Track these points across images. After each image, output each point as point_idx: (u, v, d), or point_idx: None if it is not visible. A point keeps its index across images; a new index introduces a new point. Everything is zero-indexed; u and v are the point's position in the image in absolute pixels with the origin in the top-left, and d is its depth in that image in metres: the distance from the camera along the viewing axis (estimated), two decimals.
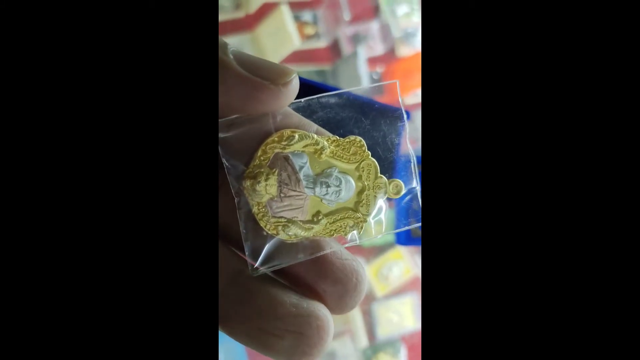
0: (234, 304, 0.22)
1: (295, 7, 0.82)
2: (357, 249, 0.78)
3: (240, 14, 0.81)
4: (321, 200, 0.22)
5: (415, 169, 0.23)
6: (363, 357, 0.77)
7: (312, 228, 0.22)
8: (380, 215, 0.23)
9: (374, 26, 0.84)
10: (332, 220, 0.22)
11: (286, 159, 0.22)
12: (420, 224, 0.23)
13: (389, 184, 0.23)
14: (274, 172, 0.22)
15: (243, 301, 0.22)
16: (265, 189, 0.22)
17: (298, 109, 0.23)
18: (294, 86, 0.21)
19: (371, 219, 0.23)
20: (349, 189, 0.23)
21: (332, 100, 0.23)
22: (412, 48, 0.83)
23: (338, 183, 0.22)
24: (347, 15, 0.84)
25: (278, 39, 0.81)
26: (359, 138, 0.23)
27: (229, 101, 0.21)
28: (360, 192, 0.23)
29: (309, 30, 0.83)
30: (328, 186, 0.22)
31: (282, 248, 0.22)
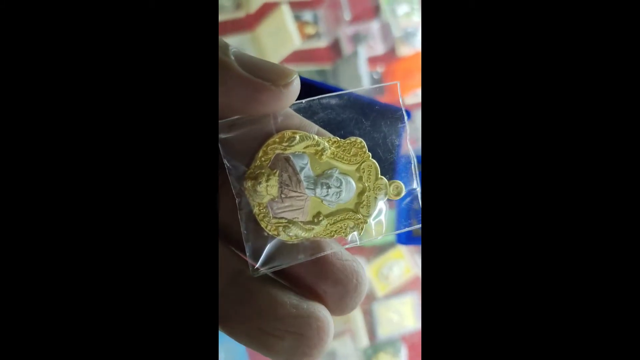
0: (234, 304, 0.22)
1: (296, 7, 0.82)
2: (358, 249, 0.78)
3: (240, 14, 0.81)
4: (322, 202, 0.22)
5: (415, 170, 0.23)
6: (363, 356, 0.77)
7: (313, 229, 0.22)
8: (381, 217, 0.23)
9: (374, 26, 0.84)
10: (332, 221, 0.23)
11: (287, 160, 0.22)
12: (420, 225, 0.23)
13: (390, 185, 0.23)
14: (275, 173, 0.22)
15: (243, 301, 0.22)
16: (266, 190, 0.22)
17: (299, 110, 0.23)
18: (295, 87, 0.21)
19: (371, 220, 0.23)
20: (349, 190, 0.23)
21: (333, 101, 0.23)
22: (413, 48, 0.83)
23: (339, 184, 0.22)
24: (347, 15, 0.84)
25: (278, 39, 0.81)
26: (359, 139, 0.23)
27: (230, 102, 0.21)
28: (360, 194, 0.23)
29: (310, 30, 0.83)
30: (329, 187, 0.22)
31: (283, 249, 0.22)
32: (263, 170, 0.22)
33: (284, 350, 0.21)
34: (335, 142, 0.22)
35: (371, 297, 0.79)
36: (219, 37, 0.21)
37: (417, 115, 0.70)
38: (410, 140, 0.24)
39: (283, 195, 0.22)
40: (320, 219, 0.22)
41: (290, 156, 0.22)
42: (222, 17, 0.80)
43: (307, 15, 0.83)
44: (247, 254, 0.22)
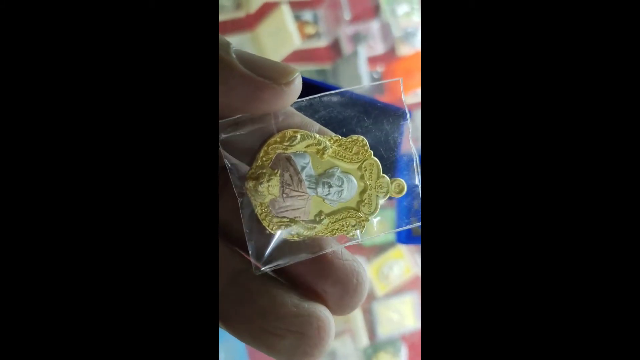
0: (235, 304, 0.22)
1: (296, 7, 0.82)
2: (358, 248, 0.78)
3: (240, 14, 0.81)
4: (323, 200, 0.22)
5: (417, 167, 0.23)
6: (363, 356, 0.77)
7: (315, 227, 0.22)
8: (382, 215, 0.23)
9: (374, 25, 0.84)
10: (334, 220, 0.23)
11: (288, 159, 0.22)
12: (420, 223, 0.23)
13: (392, 183, 0.23)
14: (276, 172, 0.22)
15: (244, 301, 0.22)
16: (268, 190, 0.22)
17: (300, 109, 0.23)
18: (297, 85, 0.21)
19: (373, 218, 0.23)
20: (351, 188, 0.23)
21: (334, 99, 0.23)
22: (412, 47, 0.83)
23: (340, 183, 0.22)
24: (347, 15, 0.84)
25: (278, 39, 0.81)
26: (361, 137, 0.23)
27: (231, 101, 0.21)
28: (362, 192, 0.23)
29: (310, 30, 0.83)
30: (330, 186, 0.22)
31: (285, 247, 0.22)
32: (264, 170, 0.22)
33: (285, 349, 0.21)
34: (336, 140, 0.22)
35: (371, 297, 0.79)
36: (221, 35, 0.21)
37: (417, 115, 0.70)
38: (411, 139, 0.24)
39: (285, 195, 0.22)
40: (322, 217, 0.22)
41: (292, 155, 0.22)
42: (222, 17, 0.80)
43: (307, 15, 0.83)
44: (250, 252, 0.22)
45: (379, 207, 0.23)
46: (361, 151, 0.23)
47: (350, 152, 0.23)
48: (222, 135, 0.22)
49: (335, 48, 0.84)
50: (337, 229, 0.23)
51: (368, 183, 0.23)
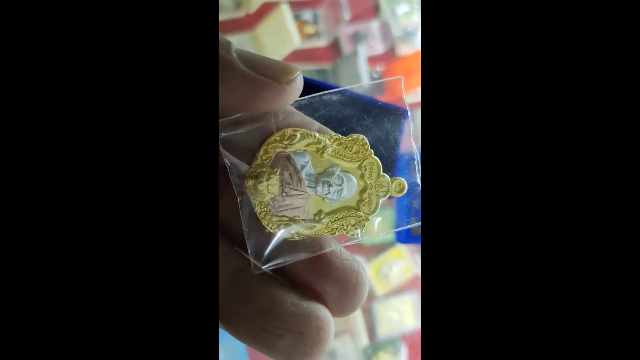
0: (234, 303, 0.22)
1: (296, 6, 0.82)
2: (358, 248, 0.78)
3: (240, 14, 0.81)
4: (323, 199, 0.22)
5: (418, 166, 0.23)
6: (363, 355, 0.77)
7: (314, 227, 0.22)
8: (382, 214, 0.23)
9: (374, 25, 0.84)
10: (334, 219, 0.22)
11: (288, 158, 0.22)
12: (420, 223, 0.23)
13: (392, 182, 0.23)
14: (276, 171, 0.22)
15: (244, 300, 0.22)
16: (267, 189, 0.22)
17: (300, 107, 0.23)
18: (298, 84, 0.21)
19: (374, 218, 0.23)
20: (351, 187, 0.23)
21: (335, 97, 0.23)
22: (412, 47, 0.83)
23: (340, 182, 0.22)
24: (347, 15, 0.84)
25: (278, 38, 0.81)
26: (361, 136, 0.23)
27: (232, 100, 0.21)
28: (362, 191, 0.23)
29: (309, 30, 0.83)
30: (330, 185, 0.22)
31: (285, 246, 0.22)
32: (264, 169, 0.22)
33: (284, 348, 0.21)
34: (336, 139, 0.22)
35: (371, 296, 0.79)
36: (221, 35, 0.21)
37: (417, 114, 0.70)
38: (409, 139, 0.24)
39: (284, 194, 0.22)
40: (322, 216, 0.22)
41: (291, 154, 0.22)
42: (222, 17, 0.80)
43: (307, 15, 0.83)
44: (249, 251, 0.22)
45: (380, 206, 0.23)
46: (361, 150, 0.23)
47: (351, 151, 0.22)
48: (222, 134, 0.21)
49: (335, 48, 0.84)
50: (337, 229, 0.22)
51: (368, 182, 0.23)
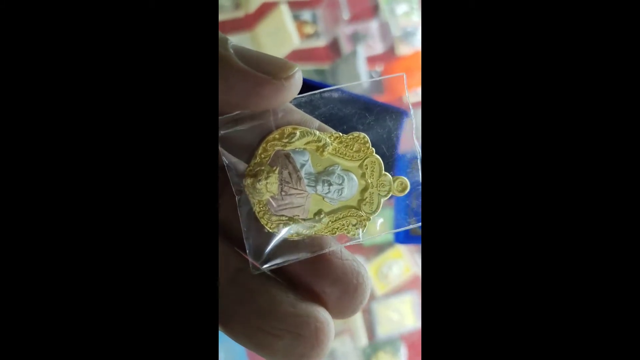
0: (232, 304, 0.21)
1: (295, 7, 0.82)
2: (357, 248, 0.78)
3: (239, 14, 0.81)
4: (323, 199, 0.22)
5: (419, 165, 0.23)
6: (363, 355, 0.77)
7: (314, 226, 0.22)
8: (382, 215, 0.23)
9: (373, 25, 0.84)
10: (334, 219, 0.22)
11: (287, 156, 0.22)
12: (420, 224, 0.22)
13: (394, 181, 0.22)
14: (275, 170, 0.22)
15: (242, 301, 0.21)
16: (266, 187, 0.21)
17: (300, 105, 0.22)
18: (297, 80, 0.21)
19: (376, 219, 0.23)
20: (351, 187, 0.22)
21: (335, 95, 0.22)
22: (412, 47, 0.83)
23: (340, 181, 0.22)
24: (346, 14, 0.84)
25: (277, 38, 0.81)
26: (362, 134, 0.22)
27: (231, 97, 0.20)
28: (363, 190, 0.22)
29: (309, 30, 0.83)
30: (330, 184, 0.22)
31: (284, 246, 0.22)
32: (263, 168, 0.21)
33: (281, 350, 0.21)
34: (337, 137, 0.22)
35: (370, 296, 0.78)
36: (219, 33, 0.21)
37: (417, 114, 0.70)
38: (409, 139, 0.23)
39: (283, 193, 0.22)
40: (322, 216, 0.22)
41: (291, 153, 0.22)
42: (221, 17, 0.80)
43: (306, 15, 0.83)
44: (248, 251, 0.22)
45: (381, 206, 0.23)
46: (362, 148, 0.22)
47: (351, 149, 0.22)
48: (221, 132, 0.21)
49: (334, 47, 0.84)
50: (337, 228, 0.22)
51: (369, 181, 0.22)
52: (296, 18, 0.82)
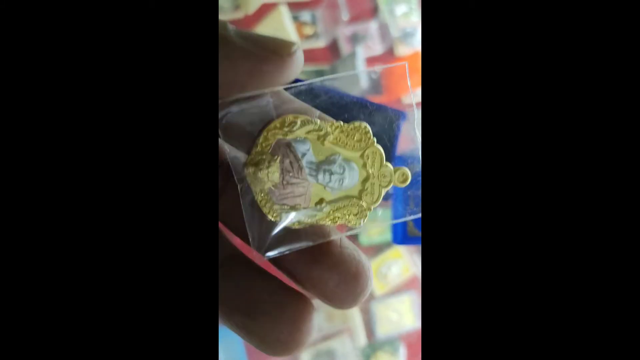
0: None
1: (294, 8, 0.82)
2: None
3: (239, 15, 0.81)
4: (324, 188, 0.22)
5: (419, 153, 0.23)
6: (362, 355, 0.77)
7: (315, 215, 0.22)
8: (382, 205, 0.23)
9: (372, 26, 0.84)
10: (335, 208, 0.22)
11: (288, 145, 0.22)
12: (420, 215, 0.22)
13: (395, 172, 0.22)
14: (276, 159, 0.22)
15: (223, 281, 0.21)
16: (268, 176, 0.21)
17: (300, 93, 0.22)
18: (299, 57, 0.21)
19: (375, 208, 0.23)
20: (352, 177, 0.22)
21: (336, 83, 0.22)
22: (411, 48, 0.83)
23: (342, 171, 0.22)
24: (345, 16, 0.84)
25: None
26: (364, 124, 0.22)
27: (236, 76, 0.20)
28: (364, 181, 0.22)
29: (308, 31, 0.83)
30: (331, 174, 0.22)
31: (286, 235, 0.22)
32: (264, 157, 0.21)
33: (257, 331, 0.21)
34: (338, 127, 0.22)
35: (370, 296, 0.78)
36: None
37: (416, 115, 0.70)
38: (409, 139, 0.23)
39: (285, 182, 0.22)
40: (323, 205, 0.22)
41: (292, 142, 0.22)
42: (221, 18, 0.80)
43: (305, 16, 0.83)
44: (251, 240, 0.22)
45: (382, 196, 0.23)
46: (364, 138, 0.22)
47: (353, 139, 0.22)
48: (222, 122, 0.21)
49: (333, 48, 0.84)
50: (338, 217, 0.22)
51: (370, 171, 0.22)
52: (295, 19, 0.82)
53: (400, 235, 0.59)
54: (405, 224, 0.58)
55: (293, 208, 0.22)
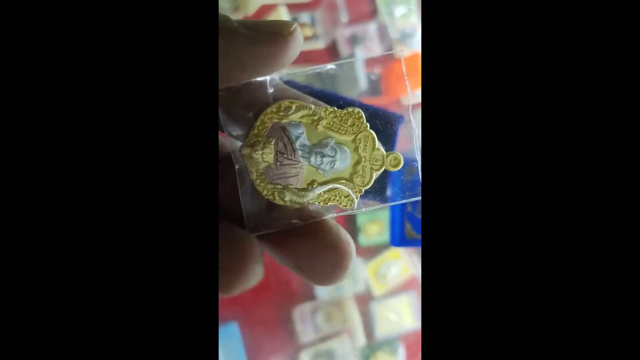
0: None
1: (293, 9, 0.83)
2: (356, 249, 0.78)
3: (238, 16, 0.82)
4: (317, 170, 0.23)
5: (417, 142, 0.23)
6: (361, 356, 0.77)
7: (307, 195, 0.23)
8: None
9: (371, 27, 0.85)
10: (327, 189, 0.23)
11: (283, 129, 0.22)
12: (419, 198, 0.23)
13: (387, 156, 0.23)
14: (271, 141, 0.22)
15: None
16: (262, 157, 0.22)
17: (294, 84, 0.23)
18: (299, 35, 0.22)
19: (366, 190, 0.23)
20: (344, 159, 0.23)
21: (331, 72, 0.23)
22: (410, 48, 0.84)
23: (333, 153, 0.23)
24: (344, 17, 0.84)
25: None
26: (357, 109, 0.23)
27: (246, 62, 0.21)
28: (356, 164, 0.23)
29: (307, 32, 0.83)
30: (323, 156, 0.23)
31: (277, 213, 0.23)
32: (260, 139, 0.22)
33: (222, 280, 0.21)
34: (332, 112, 0.23)
35: (369, 297, 0.78)
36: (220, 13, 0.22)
37: (416, 115, 0.70)
38: (408, 139, 0.24)
39: (278, 163, 0.22)
40: (315, 186, 0.23)
41: (287, 125, 0.23)
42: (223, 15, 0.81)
43: (305, 17, 0.83)
44: (245, 218, 0.22)
45: (373, 179, 0.23)
46: (357, 123, 0.23)
47: (346, 124, 0.23)
48: (221, 108, 0.22)
49: (332, 50, 0.84)
50: (329, 199, 0.23)
51: (362, 155, 0.23)
52: (294, 20, 0.82)
53: (398, 237, 0.59)
54: (403, 226, 0.58)
55: (285, 187, 0.22)
